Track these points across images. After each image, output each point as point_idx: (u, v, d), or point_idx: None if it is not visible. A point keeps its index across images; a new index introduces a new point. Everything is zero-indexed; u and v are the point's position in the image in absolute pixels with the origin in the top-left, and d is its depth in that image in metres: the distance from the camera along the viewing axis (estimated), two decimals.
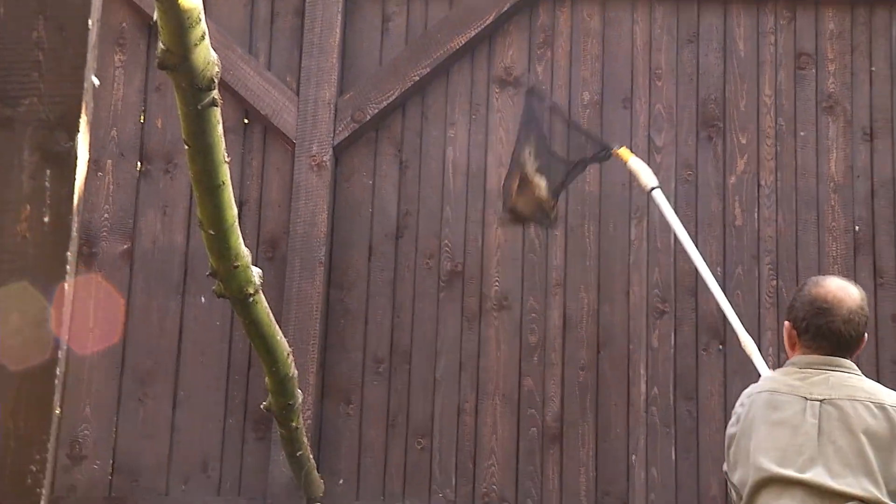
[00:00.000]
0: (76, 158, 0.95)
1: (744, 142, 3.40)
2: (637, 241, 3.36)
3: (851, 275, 3.17)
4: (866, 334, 2.23)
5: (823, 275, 2.56)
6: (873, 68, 3.40)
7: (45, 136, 0.95)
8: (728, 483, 2.24)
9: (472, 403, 3.34)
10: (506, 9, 3.46)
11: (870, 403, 2.15)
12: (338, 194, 3.47)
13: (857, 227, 3.34)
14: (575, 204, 3.42)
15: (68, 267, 0.93)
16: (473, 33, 3.47)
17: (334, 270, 3.42)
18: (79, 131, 0.95)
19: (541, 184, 3.06)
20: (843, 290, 2.24)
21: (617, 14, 3.50)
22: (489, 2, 3.48)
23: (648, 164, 3.38)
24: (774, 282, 3.33)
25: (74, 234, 0.95)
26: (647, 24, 3.46)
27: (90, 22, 0.98)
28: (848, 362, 2.25)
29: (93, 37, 0.99)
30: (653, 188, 2.98)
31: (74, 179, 0.96)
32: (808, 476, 2.13)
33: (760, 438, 2.19)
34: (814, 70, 3.42)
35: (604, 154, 3.13)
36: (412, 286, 3.43)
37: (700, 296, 3.24)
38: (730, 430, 2.22)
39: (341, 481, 3.28)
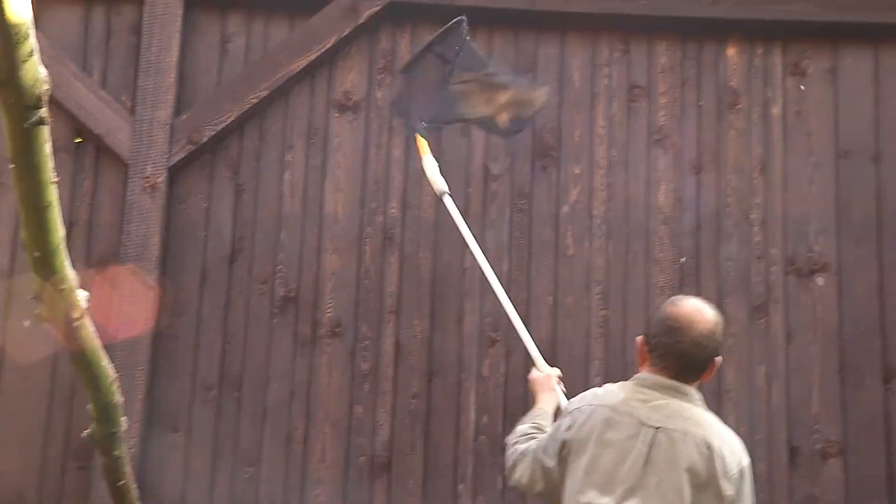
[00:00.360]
0: None
1: (577, 172, 3.47)
2: (470, 270, 3.38)
3: None
4: (718, 359, 2.22)
5: (680, 296, 2.49)
6: (701, 102, 3.51)
7: None
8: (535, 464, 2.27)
9: (301, 431, 3.33)
10: (346, 33, 3.48)
11: (701, 440, 2.14)
12: (172, 217, 3.43)
13: (682, 258, 3.43)
14: (410, 231, 3.45)
15: None
16: (314, 56, 3.48)
17: (165, 295, 3.38)
18: None
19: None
20: (698, 313, 2.23)
21: None
22: (330, 26, 3.49)
23: (484, 192, 3.44)
24: (603, 311, 3.40)
25: None
26: (485, 53, 3.52)
27: None
28: (691, 390, 2.24)
29: None
30: (444, 193, 3.06)
31: None
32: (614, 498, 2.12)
33: (590, 458, 2.17)
34: (646, 103, 3.52)
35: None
36: (245, 311, 3.41)
37: (530, 325, 3.28)
38: (563, 433, 2.21)
39: None
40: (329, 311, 3.39)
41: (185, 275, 3.41)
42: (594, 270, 3.43)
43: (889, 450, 3.32)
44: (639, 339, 2.30)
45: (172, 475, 3.28)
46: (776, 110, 3.49)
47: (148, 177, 3.38)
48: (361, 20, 3.48)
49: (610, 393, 2.30)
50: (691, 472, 2.10)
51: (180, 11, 3.48)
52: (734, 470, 2.13)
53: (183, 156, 3.43)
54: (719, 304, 3.28)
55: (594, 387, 3.09)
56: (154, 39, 3.47)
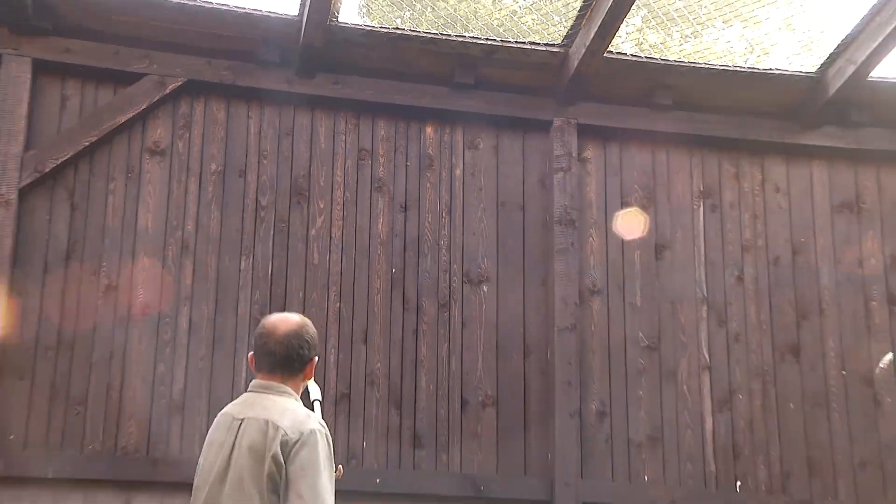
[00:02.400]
0: None
1: (322, 206, 5.07)
2: (244, 271, 4.95)
3: (388, 303, 4.97)
4: (313, 359, 2.68)
5: (274, 313, 2.91)
6: (408, 163, 5.21)
7: None
8: None
9: (118, 381, 4.66)
10: (156, 99, 4.92)
11: (263, 420, 2.45)
12: (21, 226, 4.72)
13: (393, 270, 5.11)
14: (201, 243, 4.94)
15: None
16: (132, 114, 4.89)
17: (16, 282, 4.71)
18: None
19: None
20: (282, 320, 2.65)
21: (237, 110, 5.07)
22: (144, 93, 4.91)
23: (255, 218, 4.97)
24: (338, 304, 5.01)
25: None
26: (258, 120, 5.06)
27: None
28: (278, 384, 2.61)
29: None
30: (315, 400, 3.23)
31: None
32: (205, 493, 2.46)
33: (201, 459, 2.56)
34: (370, 161, 5.18)
35: None
36: (77, 295, 4.66)
37: (290, 310, 4.86)
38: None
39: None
40: (140, 297, 4.81)
41: (32, 268, 4.73)
42: (333, 275, 5.04)
43: (525, 402, 5.08)
44: (250, 353, 2.67)
45: (19, 413, 4.61)
46: (458, 171, 5.26)
47: (2, 195, 4.70)
48: (167, 91, 4.95)
49: (233, 402, 2.68)
50: (251, 448, 2.42)
51: (29, 76, 4.77)
52: (293, 435, 2.42)
53: (30, 180, 4.73)
54: (417, 303, 5.02)
55: (331, 357, 4.73)
56: (8, 95, 4.75)
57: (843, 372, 5.20)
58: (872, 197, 5.52)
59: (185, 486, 2.72)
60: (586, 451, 4.95)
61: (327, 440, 2.54)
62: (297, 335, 2.65)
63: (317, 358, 2.74)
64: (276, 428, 2.43)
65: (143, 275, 4.84)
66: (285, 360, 2.60)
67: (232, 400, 2.77)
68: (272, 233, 5.01)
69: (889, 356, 5.20)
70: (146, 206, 4.91)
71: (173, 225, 4.92)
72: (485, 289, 5.17)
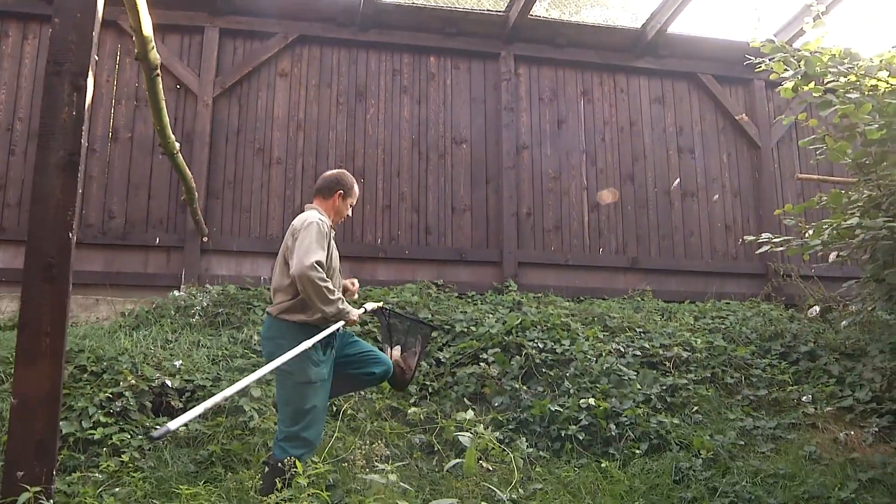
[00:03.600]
0: None
1: (373, 102, 9.29)
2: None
3: (410, 155, 9.21)
4: (338, 192, 4.86)
5: None
6: (421, 77, 9.47)
7: None
8: None
9: None
10: (282, 47, 9.06)
11: (295, 220, 4.64)
12: (214, 115, 8.90)
13: (413, 136, 9.39)
14: None
15: None
16: (269, 55, 9.03)
17: None
18: None
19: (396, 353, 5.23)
20: (329, 171, 5.01)
21: (326, 51, 9.22)
22: (275, 43, 9.04)
23: (336, 110, 9.18)
24: (382, 156, 9.29)
25: None
26: (337, 56, 9.23)
27: None
28: (311, 205, 4.84)
29: None
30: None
31: None
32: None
33: None
34: (399, 77, 9.42)
35: (430, 329, 5.48)
36: None
37: None
38: None
39: None
40: (276, 154, 9.04)
41: (219, 139, 8.92)
42: (379, 140, 9.31)
43: (487, 208, 9.47)
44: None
45: (215, 217, 8.85)
46: (448, 82, 9.52)
47: (205, 100, 8.84)
48: (288, 41, 9.11)
49: None
50: (286, 237, 4.85)
51: (217, 37, 8.92)
52: (298, 224, 4.57)
53: (219, 92, 8.89)
54: (427, 154, 9.31)
55: (380, 184, 9.04)
56: (204, 49, 8.89)
57: (655, 189, 9.73)
58: (668, 94, 10.00)
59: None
60: (520, 235, 9.23)
61: (319, 227, 4.47)
62: (330, 176, 4.92)
63: (342, 193, 4.88)
64: (295, 221, 4.58)
65: (276, 142, 8.99)
66: (319, 189, 4.90)
67: (293, 209, 7.28)
68: (346, 117, 9.16)
69: (677, 181, 9.73)
70: (278, 104, 9.04)
71: (292, 115, 9.04)
72: (464, 146, 9.40)
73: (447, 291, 8.37)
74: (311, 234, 4.43)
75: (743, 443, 6.06)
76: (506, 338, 6.86)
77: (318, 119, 9.05)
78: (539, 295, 8.51)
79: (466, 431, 4.46)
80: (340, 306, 4.50)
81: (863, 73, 6.61)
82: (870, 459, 5.95)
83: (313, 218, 4.55)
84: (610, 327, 7.56)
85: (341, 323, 4.56)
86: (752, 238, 6.73)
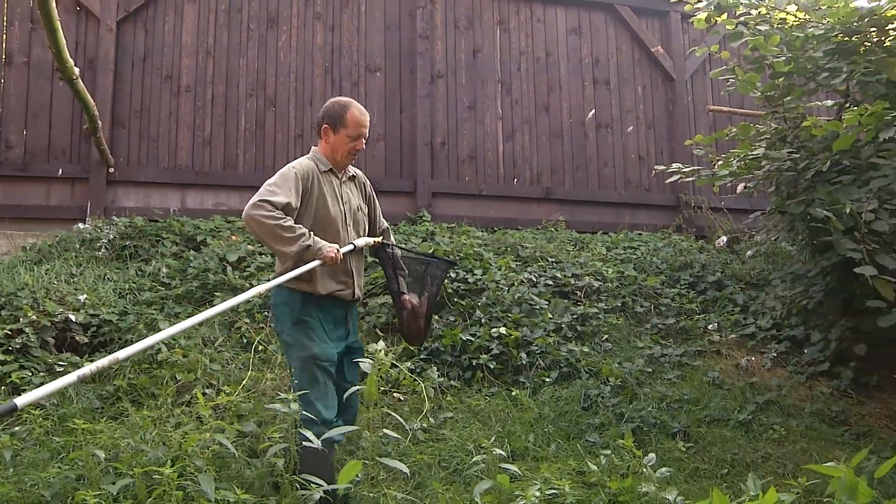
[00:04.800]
0: None
1: (285, 28, 9.09)
2: None
3: (323, 83, 9.06)
4: (324, 126, 4.27)
5: None
6: (334, 3, 9.27)
7: None
8: None
9: None
10: None
11: None
12: (119, 40, 8.60)
13: (326, 63, 9.24)
14: None
15: None
16: None
17: None
18: None
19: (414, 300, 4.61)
20: None
21: None
22: None
23: (247, 37, 8.96)
24: (295, 84, 9.14)
25: None
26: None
27: None
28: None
29: None
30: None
31: None
32: None
33: None
34: (313, 2, 9.22)
35: (446, 265, 4.89)
36: None
37: None
38: None
39: None
40: (184, 82, 8.81)
41: (125, 66, 8.64)
42: (291, 68, 9.14)
43: (401, 139, 9.42)
44: None
45: (121, 147, 8.64)
46: (363, 8, 9.35)
47: (109, 24, 8.53)
48: None
49: None
50: None
51: None
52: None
53: (123, 15, 8.58)
54: (340, 83, 9.18)
55: (292, 112, 8.89)
56: None
57: (570, 120, 9.79)
58: (585, 25, 10.01)
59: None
60: (435, 165, 9.23)
61: (287, 171, 4.12)
62: (322, 109, 4.35)
63: (328, 126, 4.28)
64: None
65: (185, 69, 8.76)
66: (314, 127, 5.22)
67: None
68: (257, 44, 8.94)
69: (592, 112, 9.80)
70: (186, 29, 8.78)
71: (201, 41, 8.80)
72: (378, 74, 9.30)
73: None
74: (271, 178, 4.12)
75: (650, 370, 6.27)
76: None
77: (228, 45, 8.83)
78: (453, 225, 8.55)
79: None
80: (304, 242, 3.99)
81: (773, 6, 6.71)
82: (767, 383, 6.22)
83: (289, 164, 4.22)
84: (523, 257, 7.67)
85: (317, 262, 4.02)
86: (663, 168, 6.86)
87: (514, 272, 7.25)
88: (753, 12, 6.63)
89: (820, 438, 5.49)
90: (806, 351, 6.64)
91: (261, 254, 6.94)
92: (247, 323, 6.14)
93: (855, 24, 6.10)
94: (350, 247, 4.25)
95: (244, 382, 5.27)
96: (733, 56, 6.90)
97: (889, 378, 6.32)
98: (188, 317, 6.15)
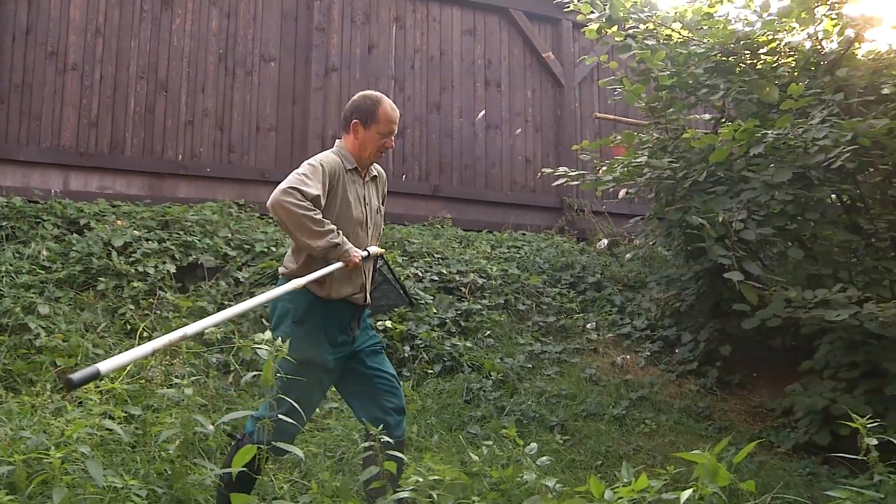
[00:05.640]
0: None
1: (180, 12, 8.94)
2: None
3: (216, 70, 8.96)
4: (352, 121, 3.93)
5: None
6: None
7: None
8: None
9: None
10: None
11: None
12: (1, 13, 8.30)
13: (220, 51, 9.14)
14: None
15: None
16: None
17: None
18: None
19: None
20: None
21: None
22: None
23: (140, 18, 8.78)
24: (188, 70, 9.00)
25: None
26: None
27: None
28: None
29: None
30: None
31: None
32: None
33: None
34: None
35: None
36: None
37: None
38: None
39: None
40: (72, 60, 8.57)
41: (5, 39, 8.35)
42: (185, 52, 8.99)
43: (292, 130, 9.41)
44: None
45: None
46: None
47: None
48: None
49: None
50: None
51: None
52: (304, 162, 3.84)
53: None
54: (234, 70, 9.09)
55: (183, 98, 8.76)
56: None
57: (460, 119, 9.97)
58: (480, 27, 10.23)
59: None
60: None
61: (314, 163, 3.78)
62: (348, 105, 4.07)
63: (358, 122, 3.95)
64: None
65: (72, 47, 8.51)
66: (341, 122, 4.11)
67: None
68: (150, 25, 8.76)
69: (482, 112, 10.01)
70: (74, 5, 8.51)
71: (90, 18, 8.55)
72: (272, 64, 9.24)
73: (249, 211, 8.29)
74: (299, 168, 3.79)
75: (531, 365, 6.49)
76: None
77: (119, 25, 8.62)
78: None
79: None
80: (332, 240, 3.69)
81: (660, 22, 7.04)
82: (641, 380, 6.53)
83: (315, 157, 3.89)
84: (409, 252, 7.79)
85: (339, 264, 3.76)
86: (549, 171, 7.10)
87: (401, 267, 7.36)
88: (642, 27, 6.94)
89: (687, 432, 5.81)
90: (677, 351, 7.00)
91: (147, 240, 6.83)
92: (131, 309, 6.05)
93: (732, 45, 6.48)
94: (366, 253, 3.96)
95: (128, 369, 5.21)
96: (621, 67, 7.20)
97: (750, 377, 6.75)
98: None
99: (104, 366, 2.46)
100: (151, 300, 6.18)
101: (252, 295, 6.60)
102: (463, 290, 7.35)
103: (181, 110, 8.68)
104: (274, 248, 7.12)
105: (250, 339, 5.84)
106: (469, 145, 9.99)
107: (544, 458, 3.89)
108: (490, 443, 4.81)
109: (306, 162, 3.82)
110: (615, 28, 6.99)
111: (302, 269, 3.83)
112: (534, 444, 3.84)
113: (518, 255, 8.48)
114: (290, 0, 9.35)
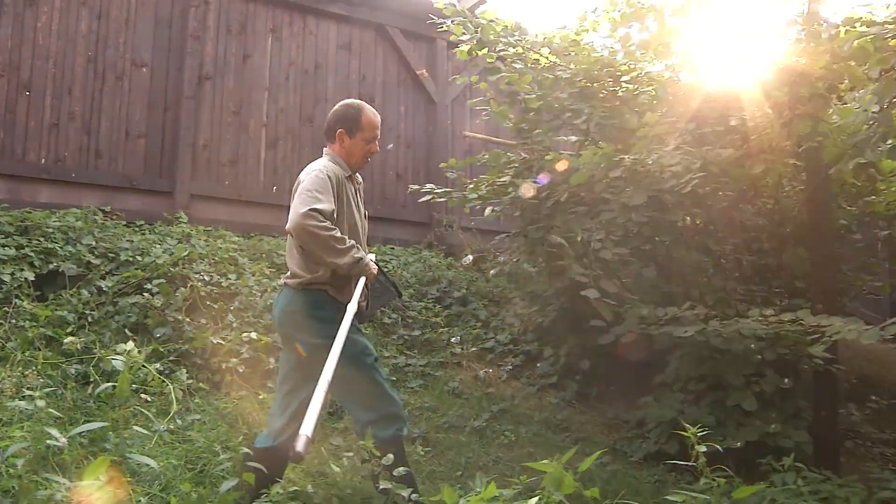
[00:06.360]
0: None
1: (46, 10, 8.63)
2: None
3: (85, 72, 8.69)
4: (338, 130, 4.23)
5: None
6: None
7: None
8: None
9: None
10: None
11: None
12: None
13: (89, 53, 8.86)
14: None
15: None
16: None
17: None
18: None
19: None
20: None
21: None
22: None
23: (1, 14, 8.44)
24: (53, 70, 8.68)
25: None
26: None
27: None
28: (325, 149, 4.22)
29: None
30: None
31: None
32: None
33: None
34: None
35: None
36: None
37: None
38: None
39: None
40: None
41: None
42: (51, 53, 8.64)
43: (163, 135, 9.21)
44: None
45: None
46: (134, 2, 9.06)
47: None
48: None
49: None
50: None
51: None
52: (303, 176, 4.04)
53: None
54: (104, 74, 8.83)
55: (48, 101, 8.46)
56: None
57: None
58: (356, 42, 10.29)
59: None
60: (196, 167, 9.01)
61: (321, 174, 3.93)
62: (330, 115, 4.30)
63: (343, 131, 4.24)
64: (301, 174, 4.07)
65: None
66: (325, 131, 4.33)
67: None
68: (11, 21, 8.29)
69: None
70: None
71: None
72: (144, 70, 9.00)
73: (115, 219, 8.06)
74: (309, 182, 3.89)
75: (395, 378, 6.54)
76: (172, 269, 6.80)
77: None
78: (210, 228, 8.47)
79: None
80: (356, 255, 3.90)
81: (528, 46, 7.26)
82: (502, 393, 6.69)
83: (317, 166, 4.02)
84: (277, 264, 7.75)
85: (363, 279, 3.98)
86: (417, 187, 7.20)
87: (269, 278, 7.32)
88: (511, 50, 7.14)
89: (545, 443, 5.99)
90: (539, 365, 7.20)
91: (4, 246, 6.52)
92: None
93: (595, 72, 6.74)
94: (376, 265, 4.20)
95: None
96: (491, 88, 7.37)
97: (608, 390, 7.00)
98: None
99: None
100: (6, 309, 5.93)
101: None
102: None
103: (45, 112, 8.34)
104: (139, 258, 6.94)
105: (111, 350, 5.70)
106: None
107: (402, 469, 3.94)
108: (351, 454, 4.85)
109: (314, 173, 3.94)
110: (485, 50, 7.17)
111: (323, 277, 3.99)
112: (391, 455, 3.88)
113: (386, 270, 8.52)
114: (165, 5, 9.14)
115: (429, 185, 7.03)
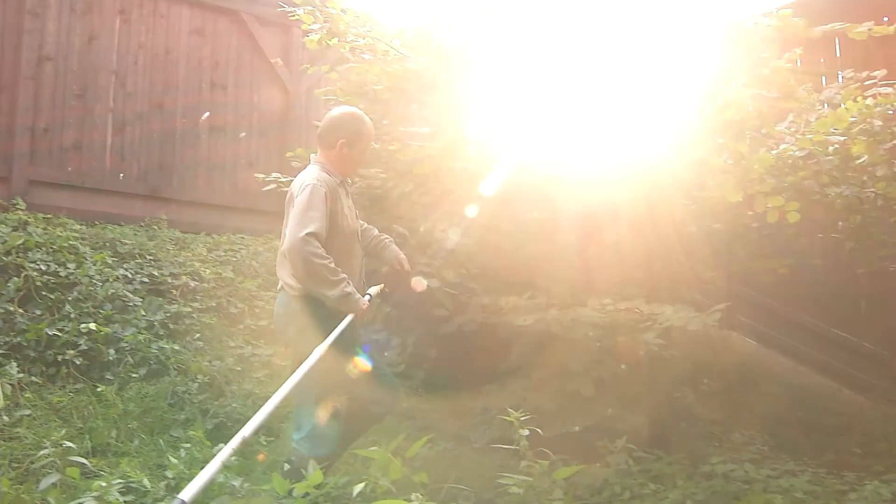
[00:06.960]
0: None
1: None
2: None
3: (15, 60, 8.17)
4: (339, 141, 4.18)
5: None
6: None
7: None
8: None
9: None
10: None
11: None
12: None
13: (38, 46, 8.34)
14: None
15: None
16: None
17: None
18: None
19: None
20: (335, 111, 4.32)
21: None
22: None
23: None
24: None
25: None
26: None
27: None
28: (315, 155, 4.18)
29: None
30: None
31: None
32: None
33: None
34: None
35: None
36: None
37: None
38: None
39: None
40: None
41: None
42: None
43: None
44: None
45: None
46: None
47: None
48: None
49: None
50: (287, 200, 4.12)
51: None
52: (294, 189, 3.97)
53: None
54: (39, 61, 8.33)
55: None
56: None
57: (184, 120, 9.72)
58: (210, 28, 10.06)
59: None
60: (35, 151, 8.45)
61: (315, 189, 3.88)
62: (330, 121, 4.25)
63: (345, 142, 4.19)
64: (293, 183, 4.06)
65: None
66: (320, 136, 4.24)
67: None
68: None
69: (207, 114, 9.85)
70: None
71: None
72: None
73: None
74: (304, 199, 3.86)
75: (240, 368, 6.47)
76: (4, 258, 6.52)
77: None
78: (50, 216, 8.12)
79: None
80: (346, 289, 3.89)
81: (378, 37, 7.27)
82: None
83: (310, 179, 3.95)
84: (121, 253, 7.54)
85: (350, 316, 3.95)
86: (262, 176, 7.14)
87: (111, 268, 7.11)
88: (361, 41, 7.12)
89: (389, 432, 6.02)
90: (386, 354, 7.23)
91: None
92: None
93: (444, 64, 6.81)
94: (368, 298, 4.19)
95: None
96: (342, 78, 7.33)
97: (454, 377, 7.11)
98: None
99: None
100: None
101: None
102: (175, 292, 7.21)
103: None
104: None
105: None
106: (192, 147, 9.75)
107: (234, 458, 3.91)
108: (189, 445, 4.78)
109: (308, 188, 3.89)
110: (336, 40, 7.13)
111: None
112: (221, 444, 3.85)
113: (234, 259, 8.43)
114: None
115: (274, 174, 6.96)
